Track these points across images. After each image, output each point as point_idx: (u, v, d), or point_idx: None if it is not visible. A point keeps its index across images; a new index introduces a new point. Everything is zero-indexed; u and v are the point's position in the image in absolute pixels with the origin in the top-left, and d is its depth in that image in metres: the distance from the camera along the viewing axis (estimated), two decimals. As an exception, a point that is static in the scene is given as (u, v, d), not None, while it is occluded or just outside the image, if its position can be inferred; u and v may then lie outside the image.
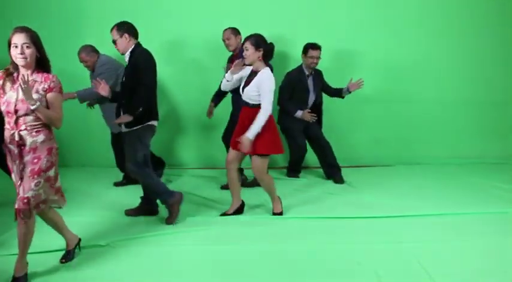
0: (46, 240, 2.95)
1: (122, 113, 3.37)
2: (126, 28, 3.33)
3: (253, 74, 3.36)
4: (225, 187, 4.21)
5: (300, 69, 4.59)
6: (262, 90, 3.25)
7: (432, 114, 5.37)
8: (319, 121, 4.73)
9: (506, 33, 5.30)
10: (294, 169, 4.83)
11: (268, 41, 3.35)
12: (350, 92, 4.64)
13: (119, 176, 4.54)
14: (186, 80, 5.12)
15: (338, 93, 4.71)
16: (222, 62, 4.34)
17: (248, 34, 3.36)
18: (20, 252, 2.49)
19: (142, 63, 3.31)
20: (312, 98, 4.63)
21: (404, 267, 2.69)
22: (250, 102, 3.34)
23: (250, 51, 3.26)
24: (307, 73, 4.58)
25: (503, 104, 5.45)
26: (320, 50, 4.51)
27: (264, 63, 3.34)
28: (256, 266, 2.72)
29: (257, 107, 3.30)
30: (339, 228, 3.33)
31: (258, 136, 3.28)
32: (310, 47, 4.50)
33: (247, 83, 3.37)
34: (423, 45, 5.23)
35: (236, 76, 3.43)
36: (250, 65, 3.37)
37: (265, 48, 3.29)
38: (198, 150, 5.25)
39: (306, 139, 4.68)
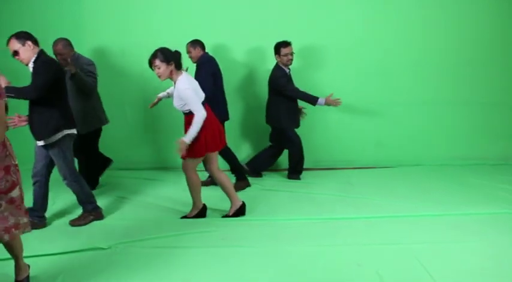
0: (46, 244, 2.97)
1: (34, 125, 3.20)
2: (26, 35, 3.12)
3: (174, 85, 3.34)
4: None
5: (281, 69, 4.57)
6: (185, 97, 3.21)
7: (432, 116, 5.36)
8: None
9: (506, 33, 5.31)
10: (295, 170, 4.81)
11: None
12: (328, 105, 4.62)
13: (116, 178, 4.57)
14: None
15: None
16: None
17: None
18: (14, 258, 2.46)
19: (39, 68, 3.11)
20: None
21: (406, 268, 2.69)
22: (183, 112, 3.35)
23: (162, 69, 3.19)
24: (287, 71, 4.61)
25: (504, 104, 5.43)
26: (291, 45, 4.52)
27: (178, 72, 3.30)
28: (256, 268, 2.72)
29: (191, 114, 3.29)
30: (339, 229, 3.33)
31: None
32: (282, 46, 4.50)
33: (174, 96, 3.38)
34: (422, 46, 5.22)
35: (172, 89, 3.46)
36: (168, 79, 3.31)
37: (175, 60, 3.24)
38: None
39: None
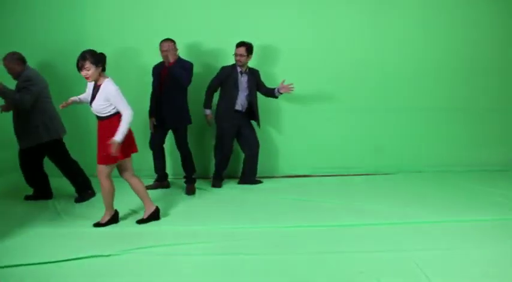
0: (46, 252, 2.95)
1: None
2: None
3: (96, 87, 3.37)
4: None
5: (233, 65, 4.64)
6: (113, 100, 3.27)
7: (432, 122, 5.37)
8: (253, 120, 4.80)
9: (506, 39, 5.33)
10: (217, 175, 4.79)
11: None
12: (281, 93, 4.65)
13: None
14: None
15: (271, 93, 4.74)
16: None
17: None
18: None
19: None
20: (242, 97, 4.64)
21: (407, 275, 2.68)
22: (101, 115, 3.34)
23: (92, 70, 3.25)
24: (239, 70, 4.63)
25: (504, 110, 5.45)
26: (243, 46, 4.52)
27: (104, 74, 3.37)
28: (258, 276, 2.71)
29: (109, 117, 3.32)
30: (340, 236, 3.31)
31: (98, 147, 3.35)
32: (236, 45, 4.57)
33: (93, 97, 3.38)
34: (422, 52, 5.23)
35: (85, 95, 3.52)
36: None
37: (103, 62, 3.33)
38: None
39: (234, 140, 4.74)
